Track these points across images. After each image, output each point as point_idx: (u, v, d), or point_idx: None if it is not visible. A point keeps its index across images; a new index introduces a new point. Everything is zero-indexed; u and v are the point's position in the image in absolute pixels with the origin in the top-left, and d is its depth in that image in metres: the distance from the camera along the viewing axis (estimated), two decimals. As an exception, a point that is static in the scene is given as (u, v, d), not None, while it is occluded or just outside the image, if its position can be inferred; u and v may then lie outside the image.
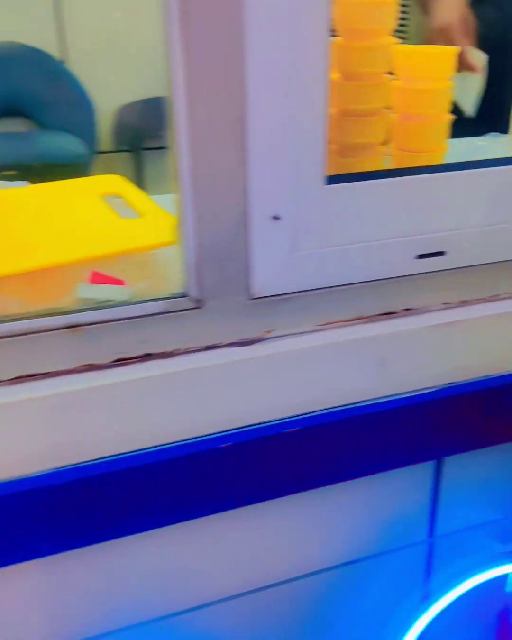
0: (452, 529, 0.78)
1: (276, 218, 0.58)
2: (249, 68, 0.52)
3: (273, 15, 0.51)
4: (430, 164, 0.71)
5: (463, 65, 1.05)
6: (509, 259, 0.68)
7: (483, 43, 1.15)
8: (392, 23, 0.64)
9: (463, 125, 1.10)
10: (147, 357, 0.57)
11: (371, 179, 0.61)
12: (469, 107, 1.05)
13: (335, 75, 0.67)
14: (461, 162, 0.65)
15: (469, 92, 1.04)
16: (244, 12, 0.50)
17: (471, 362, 0.70)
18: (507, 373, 0.71)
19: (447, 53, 0.67)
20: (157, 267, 0.63)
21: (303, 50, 0.53)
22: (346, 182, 0.60)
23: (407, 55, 0.67)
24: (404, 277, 0.65)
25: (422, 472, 0.73)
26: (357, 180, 0.61)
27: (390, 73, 0.68)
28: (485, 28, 1.18)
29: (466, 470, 0.76)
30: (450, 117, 0.70)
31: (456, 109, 1.08)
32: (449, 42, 1.06)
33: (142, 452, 0.57)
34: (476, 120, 1.07)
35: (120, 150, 2.37)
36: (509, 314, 0.69)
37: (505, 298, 0.71)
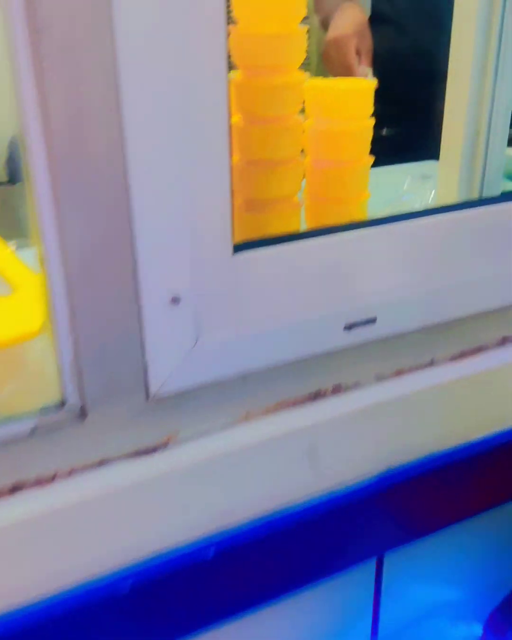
0: (399, 624, 0.68)
1: (175, 300, 0.47)
2: (126, 110, 0.41)
3: (155, 46, 0.40)
4: (350, 214, 0.62)
5: None
6: (444, 319, 0.60)
7: (410, 66, 1.09)
8: (300, 55, 0.55)
9: (395, 151, 1.03)
10: (18, 489, 0.45)
11: (286, 242, 0.51)
12: None
13: (236, 118, 0.56)
14: (385, 217, 0.56)
15: None
16: (116, 41, 0.39)
17: (412, 440, 0.61)
18: (451, 448, 0.62)
19: (365, 89, 0.58)
20: (29, 362, 0.51)
21: (195, 89, 0.43)
22: (257, 248, 0.50)
23: (320, 92, 0.57)
24: (332, 351, 0.55)
25: (361, 569, 0.63)
26: (270, 245, 0.51)
27: (302, 111, 0.58)
28: (411, 52, 1.12)
29: (410, 557, 0.67)
30: (370, 160, 0.61)
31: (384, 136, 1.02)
32: (343, 53, 1.00)
33: (22, 609, 0.44)
34: (409, 146, 1.00)
35: (16, 182, 2.20)
36: (448, 383, 0.61)
37: (442, 363, 0.62)
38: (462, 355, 0.63)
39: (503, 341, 0.65)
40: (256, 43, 0.52)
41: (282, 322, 0.52)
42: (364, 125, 0.59)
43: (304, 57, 0.55)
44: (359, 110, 0.58)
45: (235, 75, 0.55)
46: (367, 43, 1.05)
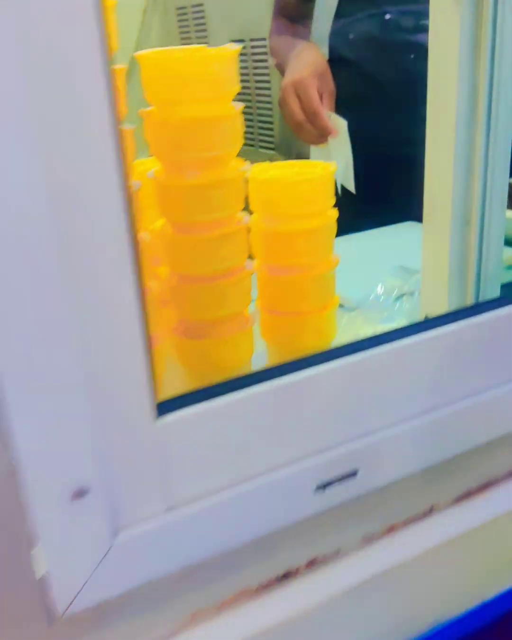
0: None
1: (80, 493, 0.34)
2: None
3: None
4: (316, 327, 0.49)
5: (324, 133, 0.88)
6: (442, 458, 0.47)
7: (379, 113, 0.99)
8: (236, 142, 0.43)
9: (377, 213, 0.92)
10: None
11: (232, 391, 0.39)
12: (346, 181, 0.86)
13: (160, 224, 0.44)
14: (359, 341, 0.43)
15: (340, 163, 0.86)
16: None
17: (414, 612, 0.48)
18: (463, 614, 0.49)
19: (323, 175, 0.46)
20: None
21: (79, 198, 0.31)
22: (189, 405, 0.38)
23: (266, 185, 0.45)
24: (302, 519, 0.43)
25: None
26: (208, 398, 0.38)
27: (246, 208, 0.46)
28: (378, 97, 1.01)
29: None
30: (336, 261, 0.49)
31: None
32: (305, 97, 0.90)
33: None
34: (390, 207, 0.89)
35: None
36: (454, 536, 0.48)
37: (444, 509, 0.49)
38: (468, 495, 0.50)
39: (516, 471, 0.52)
40: (177, 131, 0.40)
41: (230, 494, 0.39)
42: (326, 218, 0.47)
43: (241, 142, 0.43)
44: (318, 202, 0.46)
45: (156, 172, 0.43)
46: (329, 85, 0.95)
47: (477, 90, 0.45)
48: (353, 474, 0.43)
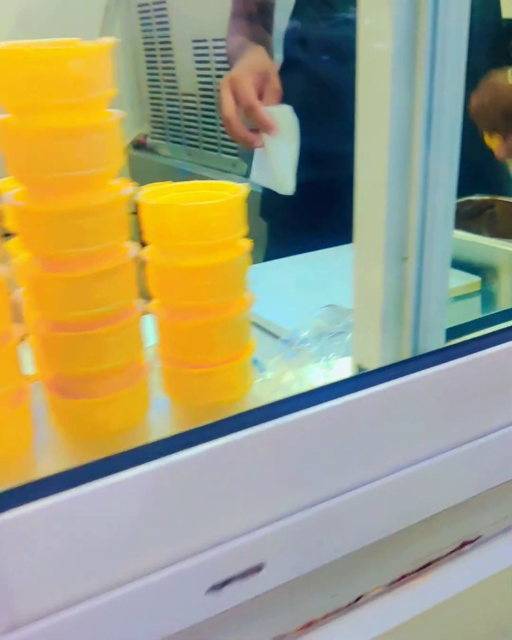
0: None
1: None
2: None
3: None
4: (227, 381, 0.41)
5: (262, 128, 0.82)
6: (374, 540, 0.39)
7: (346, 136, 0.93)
8: (114, 159, 0.34)
9: (328, 231, 0.85)
10: None
11: (96, 478, 0.30)
12: (284, 180, 0.80)
13: (24, 257, 0.36)
14: (272, 404, 0.35)
15: (282, 163, 0.79)
16: None
17: None
18: None
19: (234, 198, 0.38)
20: None
21: None
22: (41, 496, 0.29)
23: (159, 211, 0.37)
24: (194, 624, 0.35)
25: None
26: (64, 488, 0.30)
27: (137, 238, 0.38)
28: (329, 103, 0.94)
29: None
30: (250, 299, 0.41)
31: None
32: (241, 93, 0.84)
33: None
34: (343, 225, 0.82)
35: None
36: (389, 632, 0.40)
37: (374, 598, 0.41)
38: (403, 579, 0.42)
39: (462, 547, 0.45)
40: (35, 144, 0.32)
41: (94, 604, 0.31)
42: (236, 251, 0.39)
43: (122, 158, 0.35)
44: (227, 232, 0.38)
45: (16, 196, 0.34)
46: (273, 84, 0.89)
47: (414, 98, 0.37)
48: (257, 568, 0.35)
